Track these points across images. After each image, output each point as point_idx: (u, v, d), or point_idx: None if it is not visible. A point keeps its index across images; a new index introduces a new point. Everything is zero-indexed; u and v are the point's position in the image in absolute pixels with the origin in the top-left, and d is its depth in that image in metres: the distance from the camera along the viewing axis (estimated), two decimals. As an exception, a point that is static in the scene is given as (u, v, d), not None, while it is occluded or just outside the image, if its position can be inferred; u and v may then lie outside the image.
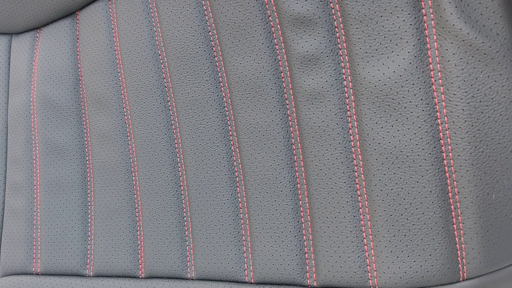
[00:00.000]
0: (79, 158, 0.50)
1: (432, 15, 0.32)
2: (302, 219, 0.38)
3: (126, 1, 0.46)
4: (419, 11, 0.32)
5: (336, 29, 0.35)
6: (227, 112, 0.41)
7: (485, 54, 0.31)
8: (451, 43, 0.31)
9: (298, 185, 0.38)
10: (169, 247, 0.44)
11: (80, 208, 0.49)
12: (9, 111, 0.53)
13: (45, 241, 0.50)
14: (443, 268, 0.32)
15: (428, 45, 0.32)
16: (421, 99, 0.32)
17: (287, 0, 0.36)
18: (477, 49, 0.31)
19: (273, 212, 0.39)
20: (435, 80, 0.32)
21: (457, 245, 0.32)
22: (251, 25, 0.38)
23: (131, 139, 0.47)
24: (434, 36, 0.32)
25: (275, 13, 0.37)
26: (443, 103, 0.32)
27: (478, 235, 0.32)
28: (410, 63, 0.32)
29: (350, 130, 0.35)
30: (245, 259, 0.40)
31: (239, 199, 0.41)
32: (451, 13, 0.31)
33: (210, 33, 0.41)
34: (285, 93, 0.38)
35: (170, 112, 0.44)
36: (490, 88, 0.31)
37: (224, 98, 0.41)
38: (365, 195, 0.34)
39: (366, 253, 0.35)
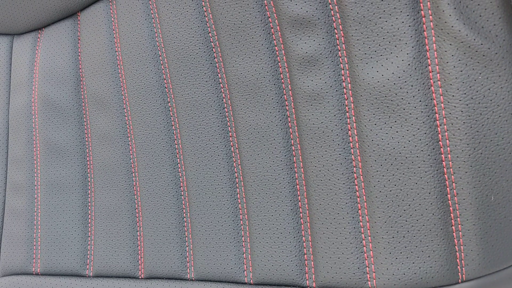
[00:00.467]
0: (79, 158, 0.50)
1: (431, 17, 0.31)
2: (301, 220, 0.38)
3: (127, 2, 0.47)
4: (418, 12, 0.32)
5: (335, 30, 0.35)
6: (226, 113, 0.41)
7: (484, 55, 0.31)
8: (450, 44, 0.31)
9: (297, 186, 0.38)
10: (169, 247, 0.44)
11: (80, 208, 0.49)
12: (10, 112, 0.54)
13: (45, 241, 0.50)
14: (442, 269, 0.32)
15: (427, 47, 0.32)
16: (420, 101, 0.32)
17: (286, 2, 0.36)
18: (476, 51, 0.31)
19: (273, 213, 0.39)
20: (434, 82, 0.32)
21: (456, 247, 0.32)
22: (251, 26, 0.38)
23: (131, 139, 0.47)
24: (433, 37, 0.32)
25: (275, 14, 0.37)
26: (442, 104, 0.32)
27: (477, 237, 0.32)
28: (409, 64, 0.32)
29: (349, 132, 0.35)
30: (245, 260, 0.40)
31: (239, 200, 0.41)
32: (450, 15, 0.31)
33: (210, 34, 0.41)
34: (285, 94, 0.38)
35: (170, 112, 0.44)
36: (489, 89, 0.31)
37: (224, 99, 0.41)
38: (364, 196, 0.34)
39: (365, 254, 0.35)
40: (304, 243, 0.38)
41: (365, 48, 0.33)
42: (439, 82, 0.32)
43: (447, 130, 0.32)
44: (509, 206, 0.32)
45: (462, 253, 0.32)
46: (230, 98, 0.40)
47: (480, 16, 0.31)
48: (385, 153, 0.33)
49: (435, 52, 0.32)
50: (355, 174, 0.35)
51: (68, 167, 0.50)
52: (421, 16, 0.32)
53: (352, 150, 0.35)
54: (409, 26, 0.32)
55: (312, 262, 0.37)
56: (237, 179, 0.41)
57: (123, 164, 0.47)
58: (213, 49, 0.41)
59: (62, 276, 0.49)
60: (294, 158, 0.38)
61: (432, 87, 0.32)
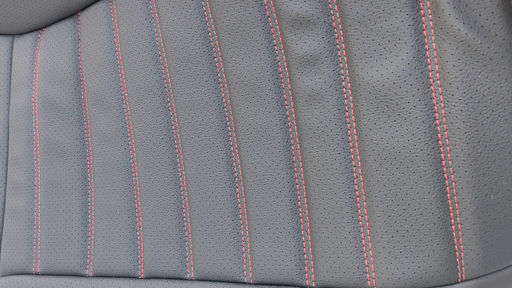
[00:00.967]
0: (79, 158, 0.50)
1: (430, 16, 0.31)
2: (301, 219, 0.38)
3: (127, 2, 0.47)
4: (418, 11, 0.32)
5: (335, 29, 0.35)
6: (226, 113, 0.41)
7: (483, 54, 0.31)
8: (450, 43, 0.31)
9: (297, 185, 0.38)
10: (169, 247, 0.44)
11: (80, 208, 0.49)
12: (11, 112, 0.54)
13: (45, 241, 0.50)
14: (442, 269, 0.32)
15: (426, 46, 0.32)
16: (420, 100, 0.32)
17: (286, 1, 0.36)
18: (476, 50, 0.31)
19: (272, 213, 0.39)
20: (434, 81, 0.32)
21: (456, 246, 0.32)
22: (251, 26, 0.38)
23: (131, 139, 0.47)
24: (433, 36, 0.32)
25: (274, 14, 0.37)
26: (442, 103, 0.32)
27: (476, 236, 0.32)
28: (408, 63, 0.32)
29: (349, 131, 0.35)
30: (244, 260, 0.40)
31: (239, 199, 0.41)
32: (450, 14, 0.31)
33: (210, 34, 0.41)
34: (284, 93, 0.38)
35: (170, 112, 0.44)
36: (489, 88, 0.31)
37: (224, 99, 0.41)
38: (364, 196, 0.34)
39: (365, 253, 0.35)
40: (304, 243, 0.38)
41: (365, 47, 0.33)
42: (438, 81, 0.32)
43: (447, 129, 0.32)
44: (509, 205, 0.32)
45: (462, 253, 0.32)
46: (230, 98, 0.40)
47: (480, 15, 0.31)
48: (385, 152, 0.33)
49: (435, 51, 0.32)
50: (354, 174, 0.35)
51: (68, 167, 0.50)
52: (421, 15, 0.32)
53: (351, 149, 0.35)
54: (409, 25, 0.32)
55: (312, 262, 0.37)
56: (236, 179, 0.41)
57: (123, 164, 0.47)
58: (213, 49, 0.41)
59: (62, 276, 0.49)
60: (294, 157, 0.38)
61: (431, 86, 0.32)
